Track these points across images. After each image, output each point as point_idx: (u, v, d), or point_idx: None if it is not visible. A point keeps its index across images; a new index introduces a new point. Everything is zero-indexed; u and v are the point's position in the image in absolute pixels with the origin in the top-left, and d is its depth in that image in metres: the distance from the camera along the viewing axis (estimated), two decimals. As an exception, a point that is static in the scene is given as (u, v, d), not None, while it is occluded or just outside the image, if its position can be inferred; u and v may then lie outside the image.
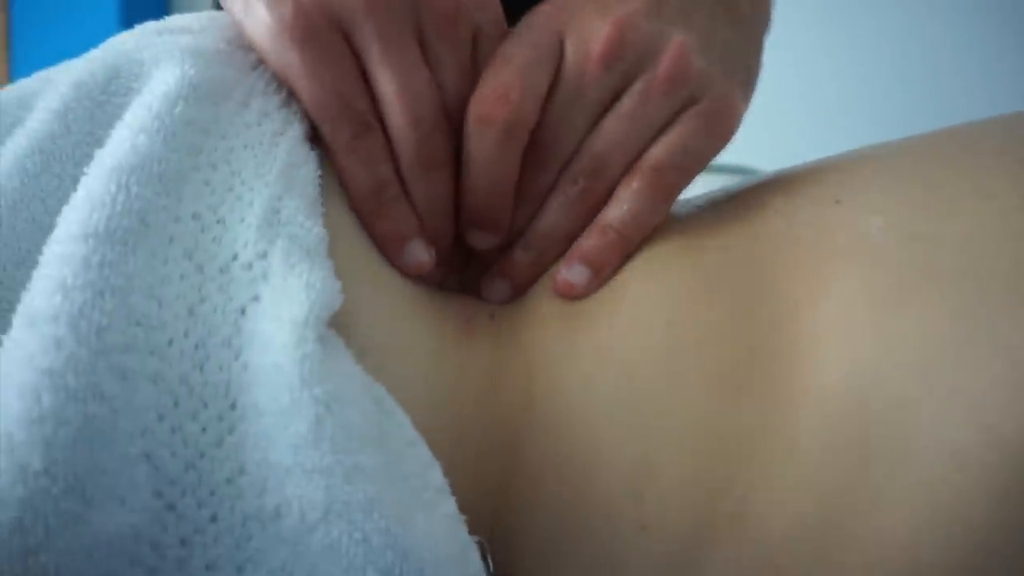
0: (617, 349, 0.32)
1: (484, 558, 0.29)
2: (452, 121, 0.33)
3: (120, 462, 0.23)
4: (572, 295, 0.33)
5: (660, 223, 0.34)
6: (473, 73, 0.34)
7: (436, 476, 0.28)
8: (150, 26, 0.34)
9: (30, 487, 0.21)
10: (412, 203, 0.34)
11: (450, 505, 0.28)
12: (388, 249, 0.33)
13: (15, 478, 0.21)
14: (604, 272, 0.33)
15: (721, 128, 0.34)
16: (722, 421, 0.29)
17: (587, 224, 0.34)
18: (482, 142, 0.33)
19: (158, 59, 0.31)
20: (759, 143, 0.39)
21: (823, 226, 0.31)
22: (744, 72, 0.36)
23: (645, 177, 0.33)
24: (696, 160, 0.34)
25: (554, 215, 0.34)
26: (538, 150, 0.34)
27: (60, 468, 0.22)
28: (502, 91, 0.32)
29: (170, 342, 0.26)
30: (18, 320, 0.24)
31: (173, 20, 0.35)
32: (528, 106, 0.33)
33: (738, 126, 0.35)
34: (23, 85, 0.33)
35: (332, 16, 0.31)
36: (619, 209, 0.34)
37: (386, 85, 0.32)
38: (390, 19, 0.31)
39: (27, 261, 0.28)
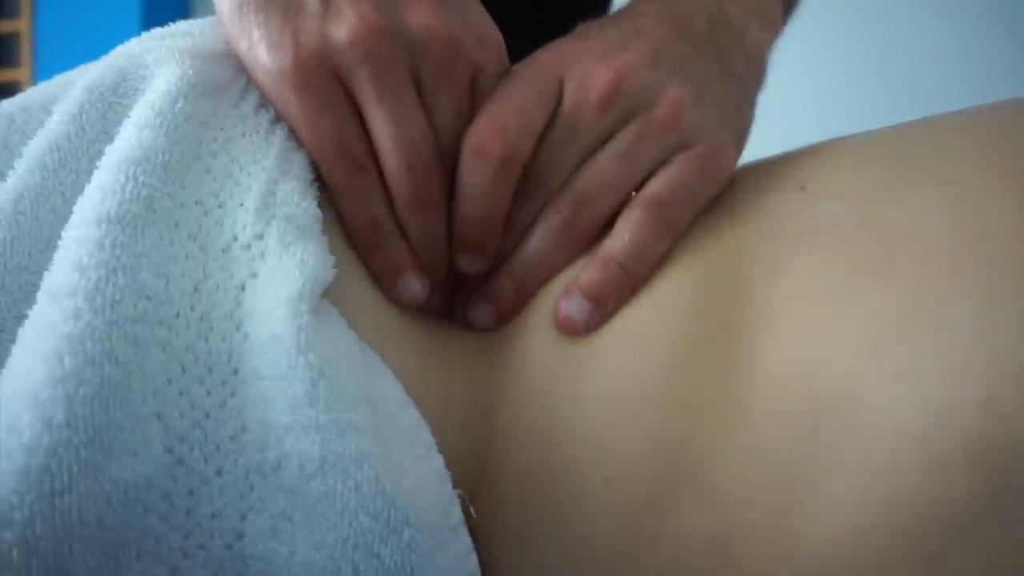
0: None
1: (466, 510, 0.31)
2: (447, 159, 0.34)
3: (134, 419, 0.26)
4: (572, 330, 0.33)
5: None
6: (470, 112, 0.34)
7: (425, 435, 0.31)
8: (155, 32, 0.37)
9: (54, 437, 0.24)
10: (407, 238, 0.35)
11: (438, 461, 0.31)
12: (384, 281, 0.34)
13: (41, 429, 0.24)
14: (607, 306, 0.33)
15: (714, 171, 0.35)
16: (682, 390, 0.31)
17: (569, 255, 0.35)
18: (476, 173, 0.33)
19: (160, 61, 0.34)
20: (759, 144, 0.40)
21: (786, 211, 0.33)
22: (736, 125, 0.37)
23: (647, 209, 0.34)
24: (693, 197, 0.34)
25: (536, 243, 0.35)
26: (527, 182, 0.35)
27: (80, 422, 0.25)
28: (500, 126, 0.33)
29: (177, 315, 0.28)
30: (41, 295, 0.27)
31: (176, 26, 0.38)
32: (524, 142, 0.34)
33: (731, 171, 0.36)
34: (46, 88, 0.36)
35: (329, 64, 0.32)
36: (620, 241, 0.33)
37: (381, 130, 0.33)
38: (385, 66, 0.32)
39: (49, 248, 0.31)
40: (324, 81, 0.32)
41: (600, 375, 0.32)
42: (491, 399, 0.34)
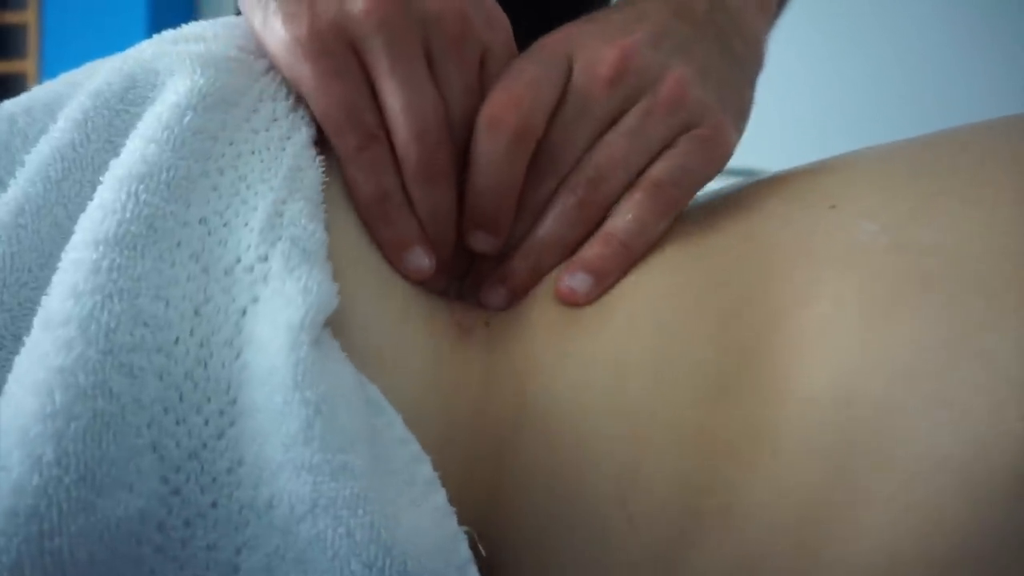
0: (607, 354, 0.32)
1: (474, 547, 0.30)
2: (456, 136, 0.35)
3: (128, 452, 0.25)
4: (574, 302, 0.34)
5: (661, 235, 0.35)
6: (479, 91, 0.35)
7: (425, 470, 0.30)
8: (167, 35, 0.36)
9: (44, 476, 0.23)
10: (415, 211, 0.35)
11: (439, 497, 0.29)
12: (391, 254, 0.35)
13: (31, 468, 0.23)
14: (606, 280, 0.34)
15: (715, 153, 0.36)
16: (708, 423, 0.30)
17: (584, 235, 0.35)
18: (491, 144, 0.34)
19: (172, 69, 0.33)
20: (760, 144, 0.40)
21: (816, 231, 0.32)
22: (737, 105, 0.38)
23: (647, 190, 0.35)
24: (693, 180, 0.35)
25: (552, 224, 0.36)
26: (540, 162, 0.35)
27: (71, 459, 0.24)
28: (514, 99, 0.34)
29: (176, 340, 0.27)
30: (37, 322, 0.26)
31: (189, 28, 0.37)
32: (538, 115, 0.34)
33: (731, 154, 0.36)
34: (52, 88, 0.35)
35: (344, 33, 0.33)
36: (622, 219, 0.35)
37: (392, 99, 0.33)
38: (399, 36, 0.33)
39: (50, 263, 0.30)
40: (338, 49, 0.33)
41: (624, 413, 0.31)
42: (503, 439, 0.33)
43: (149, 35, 0.37)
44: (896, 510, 0.26)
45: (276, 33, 0.33)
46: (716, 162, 0.36)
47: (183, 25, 0.37)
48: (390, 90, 0.33)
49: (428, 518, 0.29)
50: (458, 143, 0.35)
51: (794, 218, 0.33)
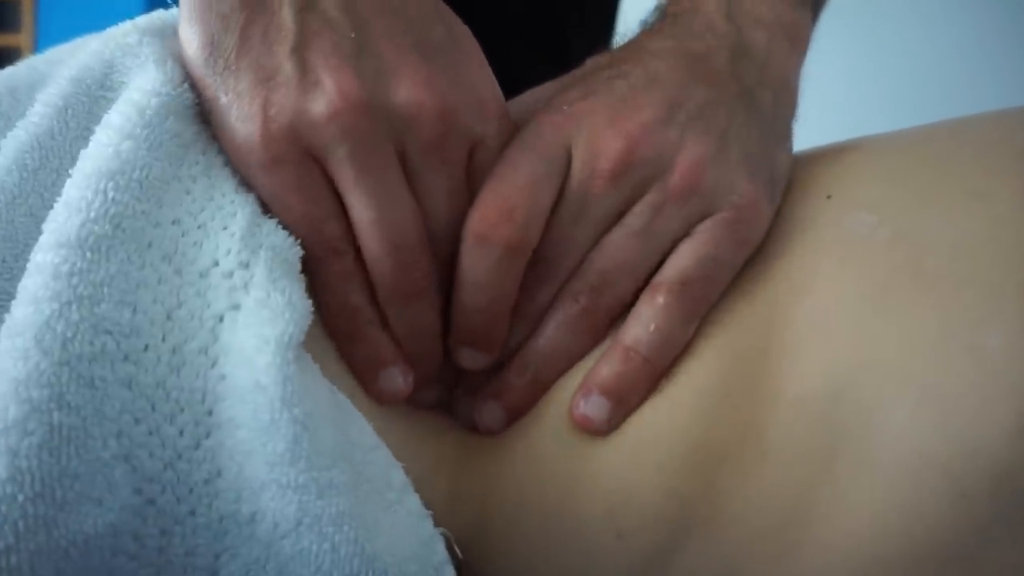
0: None
1: (451, 548, 0.30)
2: (439, 243, 0.31)
3: (93, 466, 0.24)
4: (591, 431, 0.30)
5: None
6: (466, 191, 0.31)
7: (398, 476, 0.29)
8: (156, 23, 0.34)
9: None
10: (390, 329, 0.31)
11: (413, 502, 0.29)
12: (361, 376, 0.31)
13: None
14: (628, 403, 0.30)
15: (746, 234, 0.31)
16: (704, 431, 0.29)
17: (589, 343, 0.32)
18: (480, 261, 0.30)
19: (162, 59, 0.31)
20: None
21: (813, 222, 0.31)
22: (768, 172, 0.32)
23: (672, 292, 0.30)
24: (724, 271, 0.31)
25: (552, 334, 0.31)
26: (537, 266, 0.31)
27: (26, 476, 0.23)
28: (506, 208, 0.30)
29: (146, 347, 0.26)
30: (3, 330, 0.25)
31: (176, 15, 0.35)
32: (533, 226, 0.30)
33: (765, 229, 0.32)
34: (35, 66, 0.34)
35: (300, 141, 0.29)
36: (643, 329, 0.30)
37: (361, 212, 0.29)
38: (366, 145, 0.29)
39: (25, 254, 0.29)
40: (296, 158, 0.29)
41: (618, 439, 0.30)
42: (490, 465, 0.32)
43: (145, 8, 0.35)
44: (879, 510, 0.26)
45: (227, 131, 0.29)
46: (745, 246, 0.31)
47: (174, 7, 0.36)
48: (358, 203, 0.29)
49: (404, 523, 0.28)
50: (443, 251, 0.31)
51: (790, 209, 0.32)
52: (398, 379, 0.31)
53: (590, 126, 0.31)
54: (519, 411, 0.32)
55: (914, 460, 0.26)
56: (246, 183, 0.30)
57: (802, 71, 0.37)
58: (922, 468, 0.26)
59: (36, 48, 2.23)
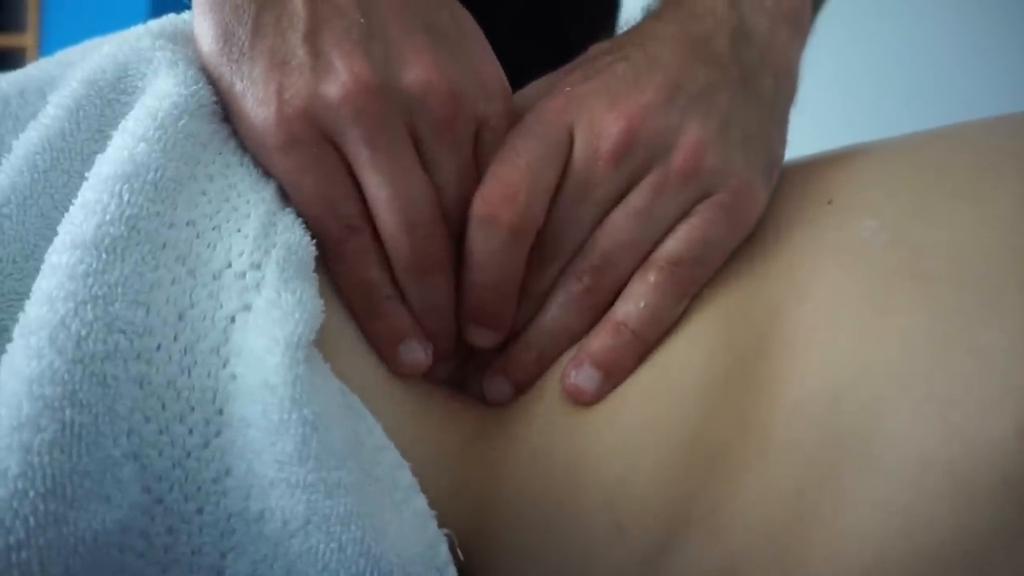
0: None
1: (453, 549, 0.30)
2: (452, 221, 0.32)
3: (103, 463, 0.25)
4: (581, 401, 0.31)
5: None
6: (475, 169, 0.32)
7: (405, 476, 0.29)
8: (168, 28, 0.34)
9: (8, 490, 0.23)
10: (408, 303, 0.32)
11: (419, 502, 0.29)
12: (381, 349, 0.32)
13: None
14: (617, 375, 0.31)
15: (741, 219, 0.32)
16: (705, 427, 0.29)
17: (592, 321, 0.32)
18: (486, 242, 0.31)
19: (174, 62, 0.31)
20: None
21: (814, 226, 0.31)
22: (766, 156, 0.33)
23: (663, 271, 0.31)
24: (716, 253, 0.32)
25: (557, 312, 0.33)
26: (542, 246, 0.32)
27: (38, 472, 0.23)
28: (509, 191, 0.31)
29: (158, 347, 0.27)
30: (17, 328, 0.26)
31: (187, 18, 0.35)
32: (536, 207, 0.31)
33: (759, 214, 0.33)
34: (46, 68, 0.34)
35: (315, 123, 0.29)
36: (634, 305, 0.31)
37: (377, 190, 0.30)
38: (379, 125, 0.29)
39: (35, 254, 0.29)
40: (311, 140, 0.30)
41: (618, 427, 0.31)
42: (493, 456, 0.33)
43: (151, 10, 0.35)
44: (883, 512, 0.26)
45: (244, 116, 0.30)
46: (739, 229, 0.32)
47: (185, 11, 0.36)
48: (373, 182, 0.30)
49: (410, 523, 0.29)
50: (455, 228, 0.32)
51: (791, 213, 0.32)
52: (418, 351, 0.32)
53: (592, 108, 0.32)
54: (525, 385, 0.33)
55: (916, 461, 0.26)
56: (262, 179, 0.31)
57: (802, 56, 0.37)
58: (924, 469, 0.26)
59: (41, 48, 2.23)
